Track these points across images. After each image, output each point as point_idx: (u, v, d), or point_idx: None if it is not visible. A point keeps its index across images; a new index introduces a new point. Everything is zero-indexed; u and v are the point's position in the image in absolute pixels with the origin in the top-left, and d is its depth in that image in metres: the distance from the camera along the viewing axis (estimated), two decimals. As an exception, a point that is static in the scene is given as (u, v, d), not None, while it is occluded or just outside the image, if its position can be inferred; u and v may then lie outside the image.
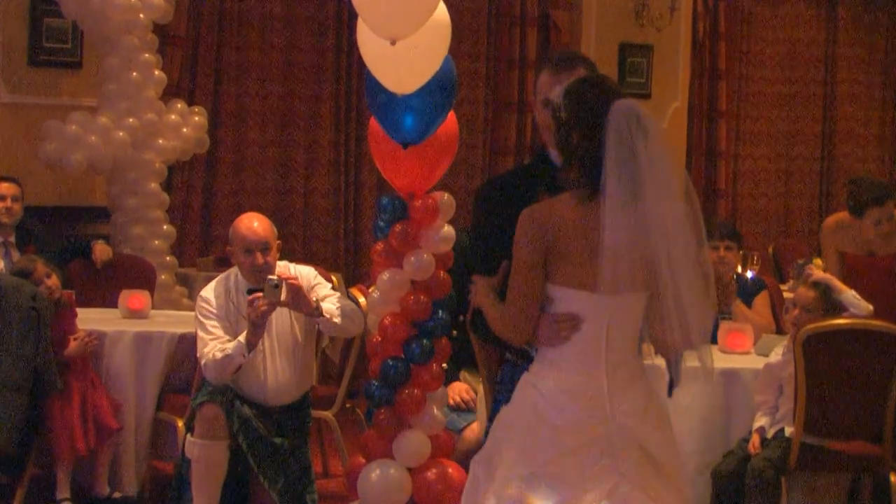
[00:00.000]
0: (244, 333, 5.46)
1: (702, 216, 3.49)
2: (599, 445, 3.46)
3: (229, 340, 5.52)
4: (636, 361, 3.57)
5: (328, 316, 5.47)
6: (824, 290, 5.75)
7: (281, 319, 5.67)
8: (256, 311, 5.37)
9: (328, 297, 5.58)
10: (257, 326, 5.42)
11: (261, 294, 5.38)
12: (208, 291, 5.71)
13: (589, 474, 3.44)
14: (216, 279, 5.79)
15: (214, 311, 5.62)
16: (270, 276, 5.42)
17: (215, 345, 5.51)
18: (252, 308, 5.39)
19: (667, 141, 3.43)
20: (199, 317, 5.64)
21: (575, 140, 3.46)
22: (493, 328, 3.65)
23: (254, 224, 5.66)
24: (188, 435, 5.60)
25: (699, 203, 3.49)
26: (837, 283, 6.00)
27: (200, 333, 5.60)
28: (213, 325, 5.59)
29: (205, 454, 5.51)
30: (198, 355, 5.64)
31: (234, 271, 5.73)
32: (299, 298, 5.41)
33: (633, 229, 3.39)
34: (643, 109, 3.43)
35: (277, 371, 5.65)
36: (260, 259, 5.56)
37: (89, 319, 6.41)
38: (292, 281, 5.43)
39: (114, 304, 6.88)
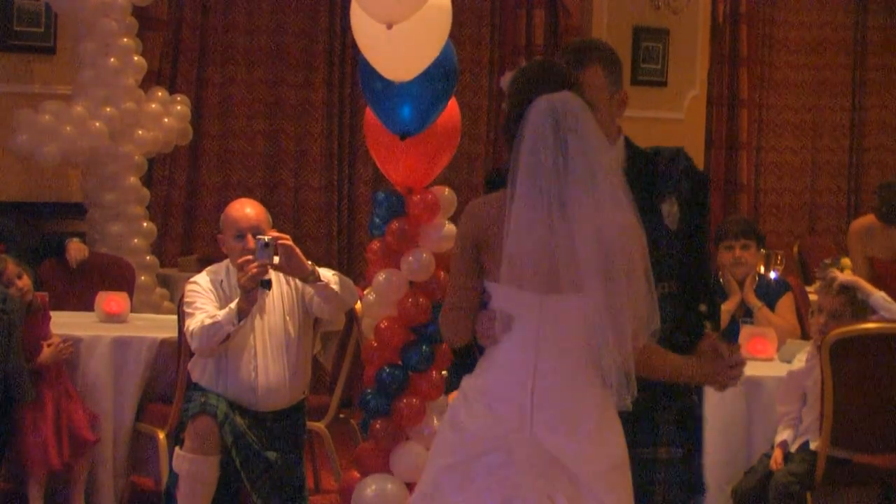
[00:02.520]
0: (235, 301, 5.49)
1: (642, 225, 3.49)
2: (503, 454, 3.45)
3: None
4: (582, 369, 3.48)
5: (324, 281, 5.49)
6: (850, 293, 5.75)
7: (273, 315, 5.69)
8: (247, 275, 5.40)
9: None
10: (249, 292, 5.44)
11: (251, 257, 5.41)
12: (198, 277, 5.77)
13: (483, 484, 3.45)
14: (206, 269, 5.83)
15: (204, 293, 5.65)
16: (260, 236, 5.45)
17: (204, 316, 5.54)
18: (243, 272, 5.41)
19: (598, 144, 3.42)
20: (187, 299, 5.67)
21: (513, 132, 3.50)
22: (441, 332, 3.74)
23: (246, 209, 5.71)
24: (178, 448, 5.62)
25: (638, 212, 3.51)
26: (865, 285, 6.01)
27: (188, 310, 5.63)
28: (203, 302, 5.63)
29: (195, 470, 5.53)
30: (184, 329, 5.67)
31: (224, 263, 5.77)
32: (293, 260, 5.43)
33: (547, 231, 3.40)
34: (571, 107, 3.43)
35: (269, 370, 5.67)
36: (252, 243, 5.57)
37: (63, 324, 6.42)
38: (284, 241, 5.44)
39: (90, 308, 6.89)
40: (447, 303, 3.65)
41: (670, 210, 3.74)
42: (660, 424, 3.79)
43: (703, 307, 3.77)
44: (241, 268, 5.44)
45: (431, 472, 3.58)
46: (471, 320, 3.57)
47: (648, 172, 3.76)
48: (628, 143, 3.84)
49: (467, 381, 3.61)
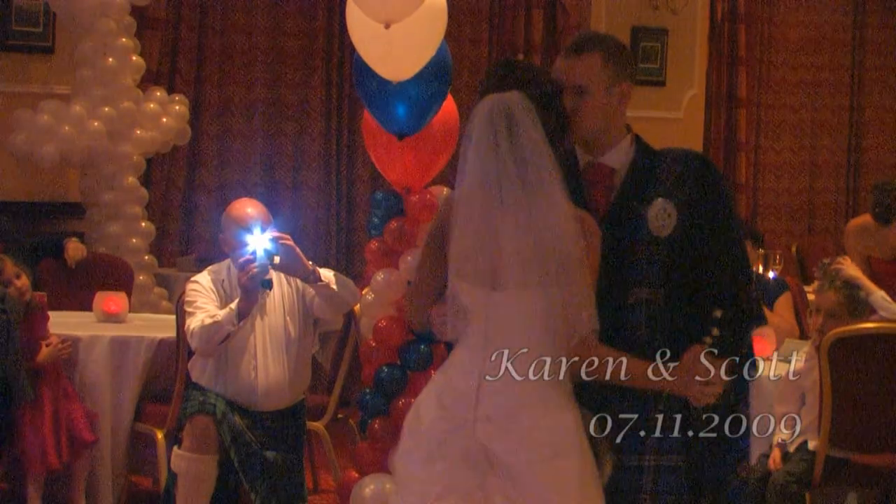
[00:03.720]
0: (235, 301, 5.50)
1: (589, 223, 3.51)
2: (443, 447, 3.50)
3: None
4: (528, 364, 3.48)
5: (325, 282, 5.50)
6: (850, 292, 5.75)
7: (274, 316, 5.70)
8: (248, 275, 5.40)
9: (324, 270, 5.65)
10: (249, 292, 5.45)
11: (252, 257, 5.41)
12: (200, 276, 5.79)
13: (425, 475, 3.52)
14: (207, 268, 5.84)
15: (205, 292, 5.66)
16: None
17: (204, 315, 5.55)
18: (244, 273, 5.42)
19: (535, 145, 3.44)
20: (188, 298, 5.68)
21: None
22: None
23: (247, 209, 5.73)
24: (176, 448, 5.62)
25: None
26: (867, 283, 6.01)
27: (189, 309, 5.65)
28: (204, 301, 5.63)
29: (193, 468, 5.54)
30: (185, 329, 5.68)
31: (225, 263, 5.79)
32: (294, 259, 5.44)
33: (486, 228, 3.45)
34: (510, 107, 3.45)
35: (269, 370, 5.68)
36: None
37: (62, 323, 6.41)
38: (285, 240, 5.45)
39: (88, 307, 6.89)
40: (412, 285, 3.76)
41: (659, 215, 3.61)
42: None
43: (717, 312, 3.60)
44: (242, 267, 5.45)
45: (398, 455, 3.65)
46: (425, 306, 3.64)
47: (646, 175, 3.68)
48: (638, 143, 3.75)
49: (434, 375, 3.68)
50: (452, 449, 3.50)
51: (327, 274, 5.58)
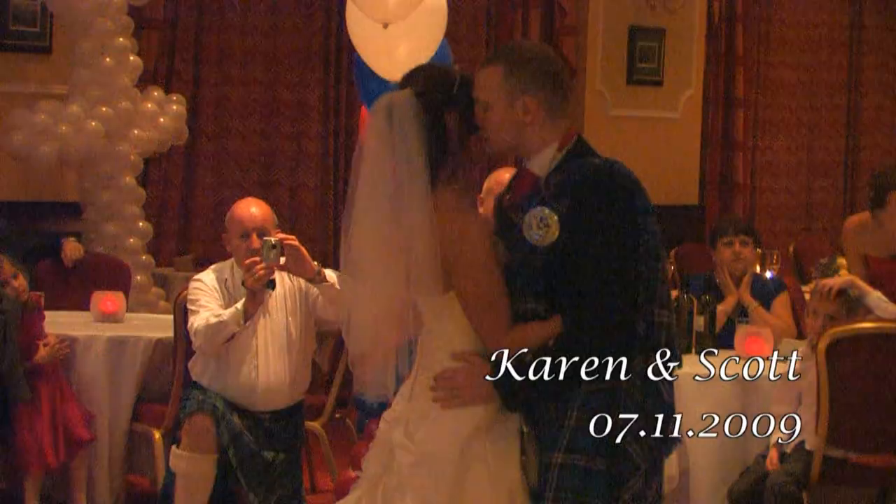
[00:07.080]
0: (241, 301, 5.50)
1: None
2: (381, 444, 3.64)
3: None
4: (435, 366, 3.56)
5: (331, 282, 5.50)
6: (845, 298, 5.74)
7: (276, 316, 5.70)
8: (254, 276, 5.40)
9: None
10: (255, 293, 5.45)
11: (258, 259, 5.41)
12: (203, 274, 5.79)
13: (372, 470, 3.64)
14: (211, 267, 5.83)
15: (209, 291, 5.65)
16: (267, 238, 5.45)
17: (209, 314, 5.55)
18: (250, 274, 5.41)
19: (407, 142, 3.45)
20: (191, 296, 5.68)
21: None
22: None
23: (251, 208, 5.73)
24: (174, 447, 5.62)
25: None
26: (861, 284, 6.00)
27: (192, 308, 5.66)
28: (207, 300, 5.63)
29: (192, 468, 5.55)
30: (188, 327, 5.68)
31: (229, 262, 5.79)
32: (300, 260, 5.43)
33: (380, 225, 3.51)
34: (392, 104, 3.48)
35: (270, 370, 5.67)
36: (257, 244, 5.57)
37: (59, 323, 6.41)
38: (291, 241, 5.44)
39: (85, 307, 6.88)
40: None
41: (535, 224, 3.44)
42: (566, 431, 3.50)
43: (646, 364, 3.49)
44: (247, 269, 5.44)
45: None
46: None
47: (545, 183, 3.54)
48: (576, 146, 3.56)
49: None
50: (383, 438, 3.63)
51: (331, 275, 5.58)
